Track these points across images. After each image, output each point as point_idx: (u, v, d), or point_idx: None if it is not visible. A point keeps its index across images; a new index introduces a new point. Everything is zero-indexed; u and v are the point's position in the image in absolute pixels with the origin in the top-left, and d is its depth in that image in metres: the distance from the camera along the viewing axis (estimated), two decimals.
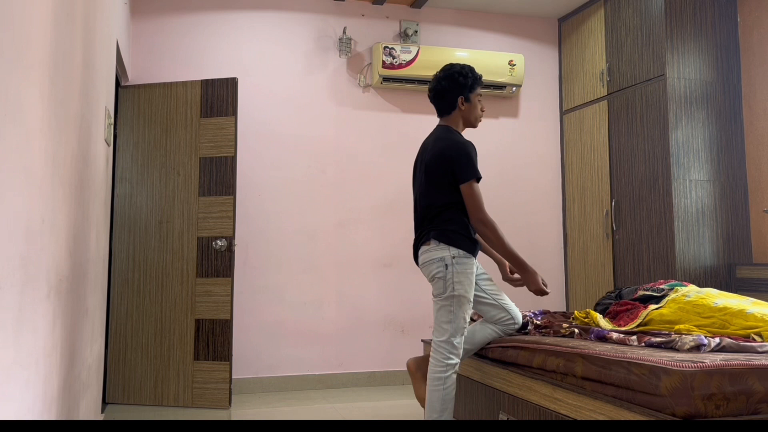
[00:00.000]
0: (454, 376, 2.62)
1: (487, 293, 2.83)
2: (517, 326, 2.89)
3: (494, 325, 2.87)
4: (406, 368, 4.55)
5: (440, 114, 2.85)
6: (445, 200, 2.66)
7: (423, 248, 2.71)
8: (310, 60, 4.73)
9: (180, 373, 3.92)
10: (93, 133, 2.59)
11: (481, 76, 2.84)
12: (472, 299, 2.68)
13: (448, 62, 2.91)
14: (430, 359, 2.65)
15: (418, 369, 2.86)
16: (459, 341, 2.63)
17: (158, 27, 4.46)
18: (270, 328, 4.46)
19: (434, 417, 2.58)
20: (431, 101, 2.87)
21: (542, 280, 2.74)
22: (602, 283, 4.62)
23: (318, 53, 4.75)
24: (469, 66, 2.83)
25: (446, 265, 2.61)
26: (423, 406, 2.77)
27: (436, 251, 2.64)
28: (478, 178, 2.65)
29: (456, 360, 2.62)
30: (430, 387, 2.60)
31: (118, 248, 4.03)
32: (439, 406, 2.58)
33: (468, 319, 2.68)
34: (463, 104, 2.79)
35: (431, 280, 2.67)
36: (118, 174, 4.06)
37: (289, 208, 4.58)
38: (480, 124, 2.92)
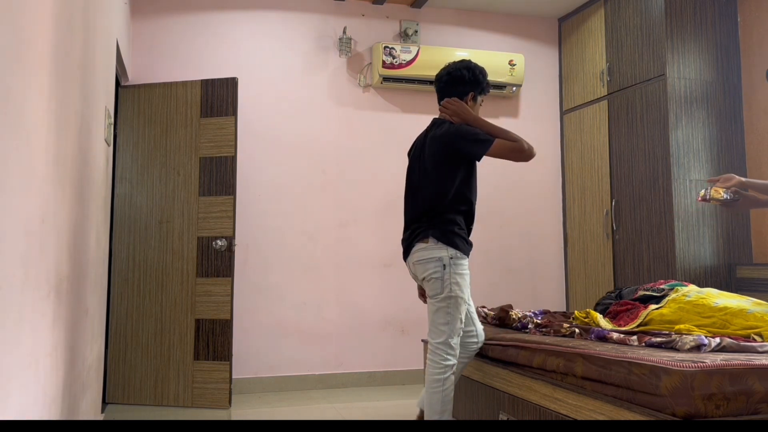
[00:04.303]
0: (453, 376, 2.62)
1: None
2: (477, 345, 2.86)
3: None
4: (405, 368, 4.59)
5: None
6: (447, 194, 2.63)
7: (419, 245, 2.65)
8: (310, 60, 4.72)
9: (180, 373, 3.92)
10: (93, 133, 2.59)
11: (490, 86, 2.86)
12: (467, 300, 2.67)
13: (448, 62, 2.89)
14: (428, 361, 2.64)
15: None
16: (456, 342, 2.62)
17: (158, 27, 4.46)
18: (270, 328, 4.46)
19: (435, 418, 2.58)
20: (440, 86, 2.82)
21: None
22: (602, 283, 4.62)
23: (318, 53, 4.74)
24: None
25: (444, 265, 2.57)
26: None
27: (434, 250, 2.60)
28: (491, 141, 2.56)
29: (453, 361, 2.61)
30: (430, 389, 2.60)
31: (118, 248, 4.02)
32: (439, 407, 2.58)
33: (464, 320, 2.67)
34: (470, 100, 2.77)
35: (426, 279, 2.62)
36: (118, 174, 4.06)
37: (289, 208, 4.58)
38: None
